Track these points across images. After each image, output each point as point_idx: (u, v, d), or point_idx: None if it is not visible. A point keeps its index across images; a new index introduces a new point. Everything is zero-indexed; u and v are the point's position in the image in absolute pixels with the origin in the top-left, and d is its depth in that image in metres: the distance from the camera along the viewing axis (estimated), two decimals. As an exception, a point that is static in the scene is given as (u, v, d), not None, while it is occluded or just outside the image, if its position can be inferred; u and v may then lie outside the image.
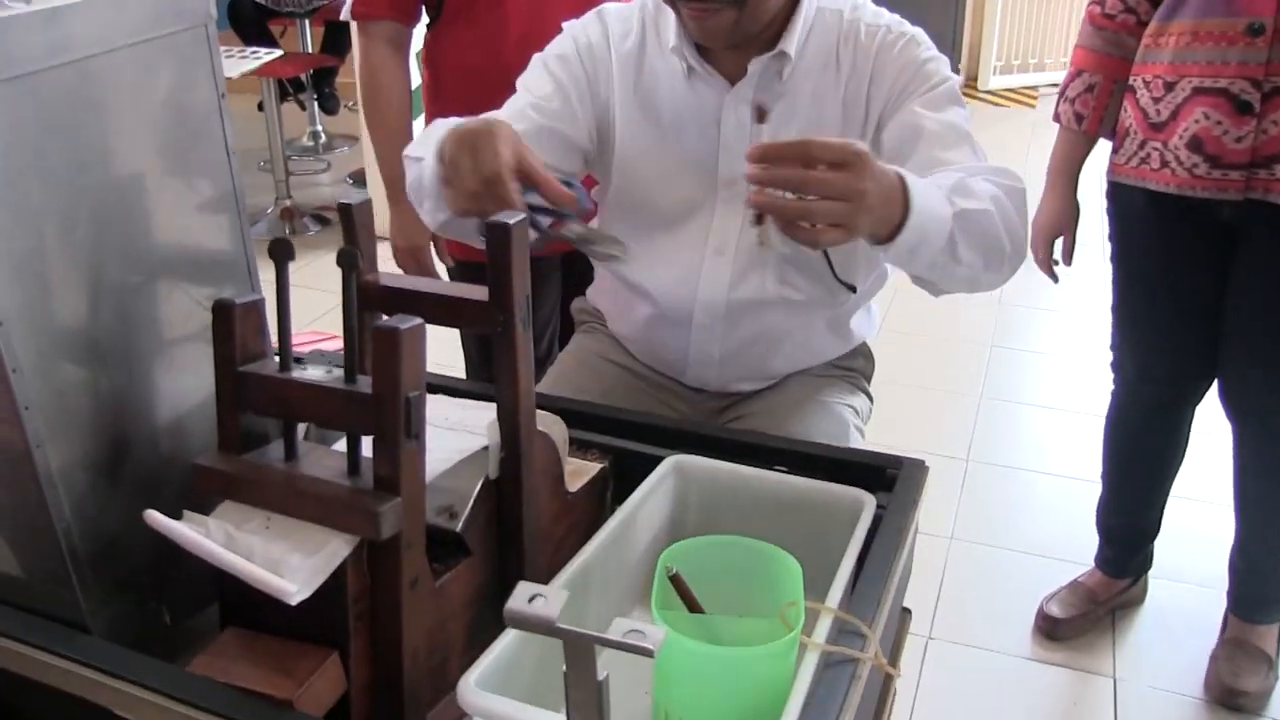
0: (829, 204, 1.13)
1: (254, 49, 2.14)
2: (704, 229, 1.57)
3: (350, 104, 6.02)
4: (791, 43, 1.48)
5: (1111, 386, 2.27)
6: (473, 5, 1.99)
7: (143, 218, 1.02)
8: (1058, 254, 2.19)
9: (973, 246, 1.29)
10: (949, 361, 3.63)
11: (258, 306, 0.99)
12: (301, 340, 2.53)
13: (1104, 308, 2.20)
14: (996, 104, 6.46)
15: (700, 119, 1.54)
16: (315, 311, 3.98)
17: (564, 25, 1.64)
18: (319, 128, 6.03)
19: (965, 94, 6.51)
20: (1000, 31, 6.49)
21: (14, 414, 0.92)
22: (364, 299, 1.11)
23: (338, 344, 2.63)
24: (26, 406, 0.92)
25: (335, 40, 5.77)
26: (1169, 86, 1.86)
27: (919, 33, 1.51)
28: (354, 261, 0.91)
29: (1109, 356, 2.24)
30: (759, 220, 1.29)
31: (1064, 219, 2.14)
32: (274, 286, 0.97)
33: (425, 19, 2.10)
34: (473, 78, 2.03)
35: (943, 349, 3.69)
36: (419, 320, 0.90)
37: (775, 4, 1.44)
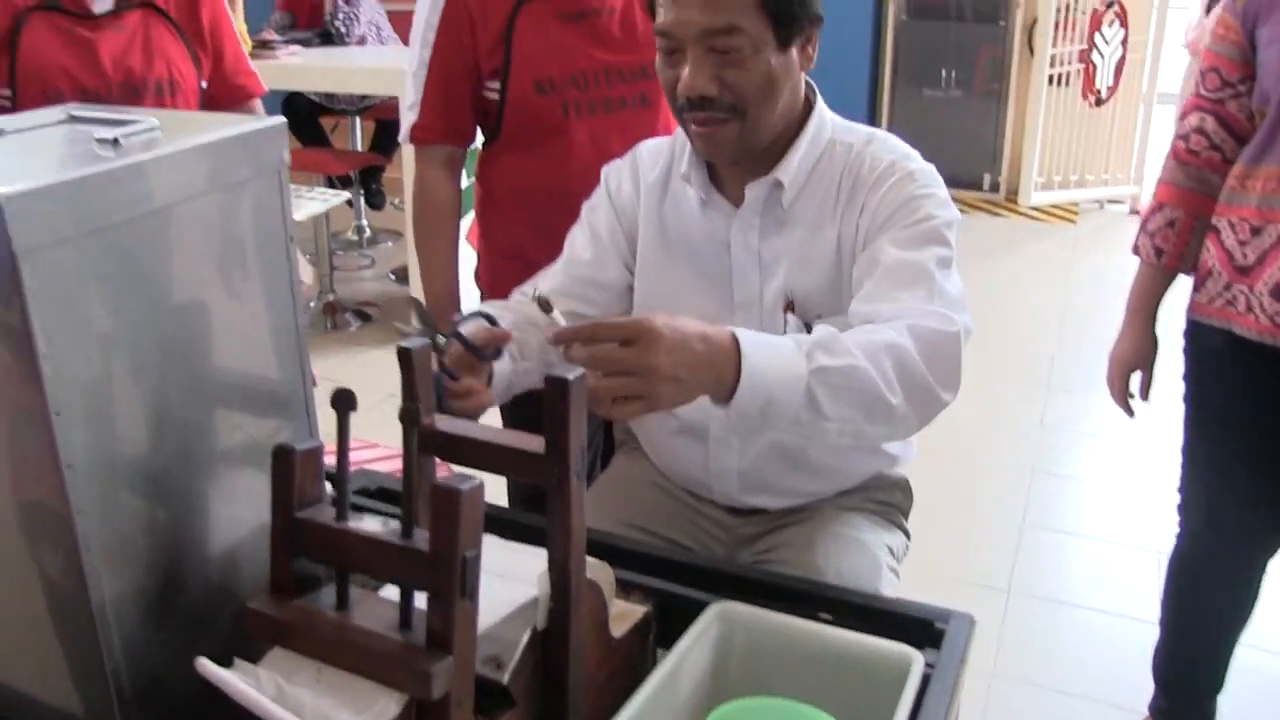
0: (620, 380, 1.17)
1: (322, 190, 2.19)
2: None
3: (396, 201, 6.10)
4: (787, 171, 1.53)
5: (1176, 528, 2.19)
6: (534, 130, 2.03)
7: (208, 355, 1.03)
8: (1134, 388, 2.14)
9: (842, 402, 1.27)
10: (989, 485, 3.58)
11: (317, 452, 1.00)
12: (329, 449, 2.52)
13: (1151, 434, 2.15)
14: (1037, 219, 6.48)
15: (714, 243, 1.60)
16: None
17: (603, 170, 1.74)
18: (364, 222, 6.12)
19: (1005, 209, 6.58)
20: (1041, 147, 6.52)
21: (74, 555, 0.92)
22: (420, 443, 1.11)
23: (378, 453, 2.64)
24: (88, 547, 0.93)
25: (384, 138, 5.88)
26: (1255, 231, 1.85)
27: (923, 170, 1.53)
28: (415, 419, 0.92)
29: (1160, 486, 2.18)
30: None
31: (1142, 354, 2.10)
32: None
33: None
34: (530, 197, 2.07)
35: (983, 472, 3.64)
36: (478, 481, 0.91)
37: (778, 120, 1.50)
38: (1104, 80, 6.53)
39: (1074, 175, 6.66)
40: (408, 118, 2.10)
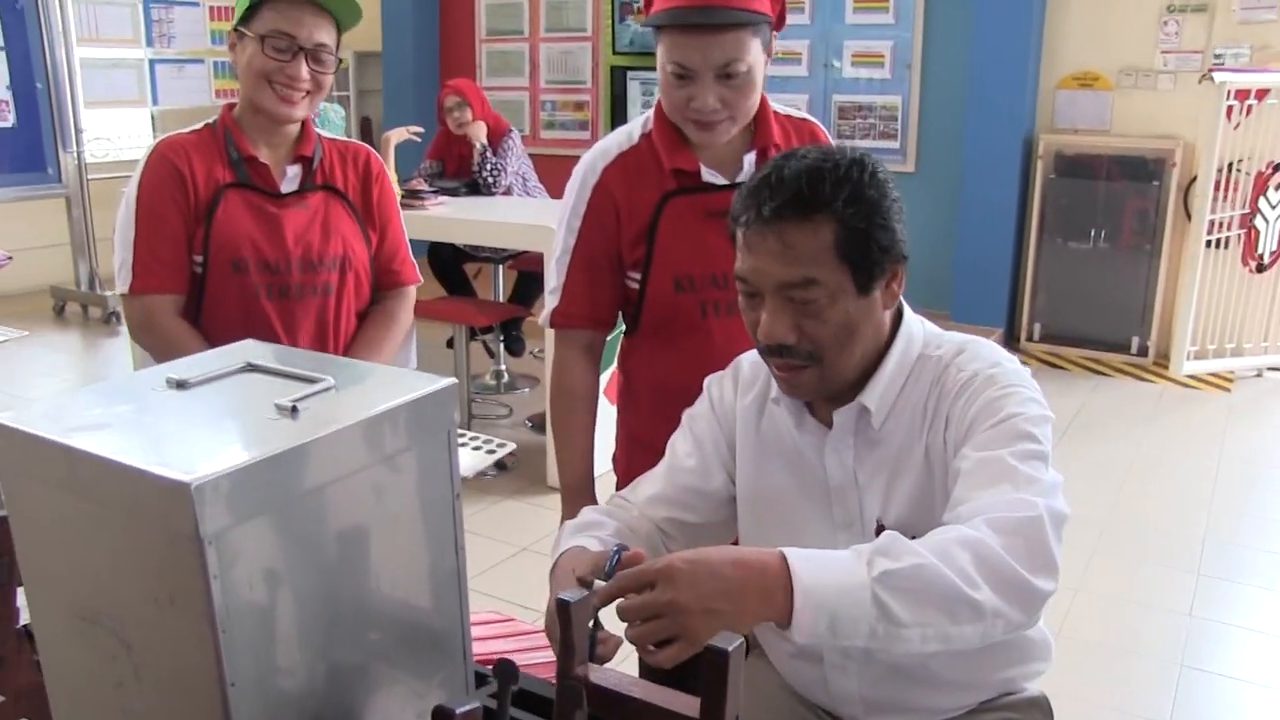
0: (649, 625, 1.15)
1: (488, 439, 2.27)
2: None
3: (536, 350, 6.20)
4: (872, 397, 1.52)
5: None
6: (672, 326, 2.04)
7: (373, 608, 1.04)
8: None
9: (917, 606, 1.21)
10: (1131, 678, 3.39)
11: (474, 715, 1.00)
12: (479, 620, 2.52)
13: None
14: (1187, 386, 6.27)
15: (811, 465, 1.59)
16: (487, 562, 4.02)
17: (705, 381, 1.75)
18: (503, 367, 6.22)
19: (1153, 374, 6.40)
20: (1196, 315, 6.26)
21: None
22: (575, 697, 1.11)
23: (512, 628, 2.63)
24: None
25: (526, 289, 6.01)
26: None
27: (1008, 372, 1.48)
28: (578, 700, 0.91)
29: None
30: None
31: None
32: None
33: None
34: (666, 391, 2.05)
35: (1124, 663, 3.46)
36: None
37: (859, 360, 1.49)
38: (1267, 246, 6.30)
39: (1230, 343, 6.40)
40: (550, 301, 2.12)
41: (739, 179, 2.00)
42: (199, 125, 2.31)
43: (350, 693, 1.02)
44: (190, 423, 0.96)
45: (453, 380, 1.04)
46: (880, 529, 1.53)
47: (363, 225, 2.37)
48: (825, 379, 1.48)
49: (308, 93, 2.22)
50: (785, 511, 1.62)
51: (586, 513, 1.69)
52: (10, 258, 1.79)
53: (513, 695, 1.60)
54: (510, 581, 3.91)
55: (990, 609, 1.24)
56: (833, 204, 1.41)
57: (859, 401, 1.52)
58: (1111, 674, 3.40)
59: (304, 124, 2.32)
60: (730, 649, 1.00)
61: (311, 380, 1.02)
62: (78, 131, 7.60)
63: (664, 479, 1.70)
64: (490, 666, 1.93)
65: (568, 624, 1.10)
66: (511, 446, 2.22)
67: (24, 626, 1.41)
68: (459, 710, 0.99)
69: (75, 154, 7.60)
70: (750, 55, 1.88)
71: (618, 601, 1.19)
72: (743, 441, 1.66)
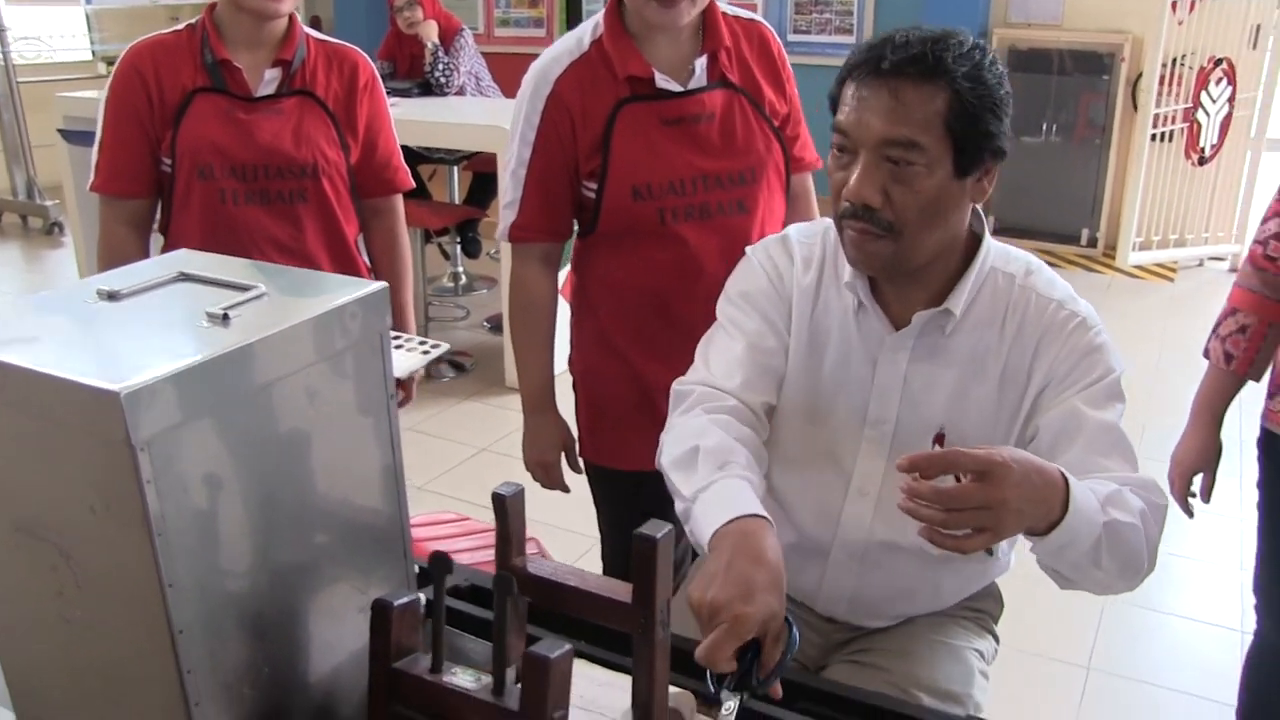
0: (971, 513, 1.19)
1: (422, 340, 2.26)
2: (849, 467, 1.60)
3: (493, 252, 6.19)
4: (958, 302, 1.51)
5: (1252, 637, 2.18)
6: (630, 233, 2.00)
7: (313, 508, 1.07)
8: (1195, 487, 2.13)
9: (1115, 556, 1.31)
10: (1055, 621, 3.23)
11: (413, 606, 1.05)
12: (423, 521, 2.55)
13: (1246, 515, 2.10)
14: (1133, 276, 6.39)
15: (861, 357, 1.57)
16: (447, 463, 4.06)
17: (748, 250, 1.69)
18: (460, 269, 6.22)
19: (1101, 265, 6.48)
20: (1141, 206, 6.39)
21: (184, 711, 0.96)
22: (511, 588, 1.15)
23: (467, 527, 2.68)
24: (196, 701, 0.97)
25: (482, 190, 5.98)
26: None
27: (1090, 314, 1.52)
28: (509, 588, 0.95)
29: (1245, 615, 2.14)
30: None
31: (1205, 456, 2.09)
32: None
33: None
34: (623, 294, 2.06)
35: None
36: (568, 648, 0.94)
37: (933, 245, 1.47)
38: (1208, 139, 6.43)
39: (1174, 234, 6.55)
40: (506, 215, 2.08)
41: (691, 84, 1.96)
42: (180, 26, 2.28)
43: (292, 591, 1.05)
44: (121, 333, 0.97)
45: (383, 284, 1.06)
46: (940, 439, 1.55)
47: (340, 132, 2.33)
48: (898, 254, 1.45)
49: None
50: (819, 397, 1.60)
51: (708, 433, 1.49)
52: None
53: (463, 590, 1.66)
54: (470, 483, 3.96)
55: (1138, 577, 1.38)
56: (954, 73, 1.38)
57: (945, 305, 1.50)
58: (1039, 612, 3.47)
59: (291, 25, 2.28)
60: (659, 536, 1.04)
61: (244, 288, 1.04)
62: (1, 30, 7.25)
63: (748, 362, 1.59)
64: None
65: (504, 517, 1.13)
66: (445, 347, 2.21)
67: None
68: (397, 603, 1.03)
69: (1, 55, 7.26)
70: None
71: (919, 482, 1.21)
72: (797, 322, 1.62)
